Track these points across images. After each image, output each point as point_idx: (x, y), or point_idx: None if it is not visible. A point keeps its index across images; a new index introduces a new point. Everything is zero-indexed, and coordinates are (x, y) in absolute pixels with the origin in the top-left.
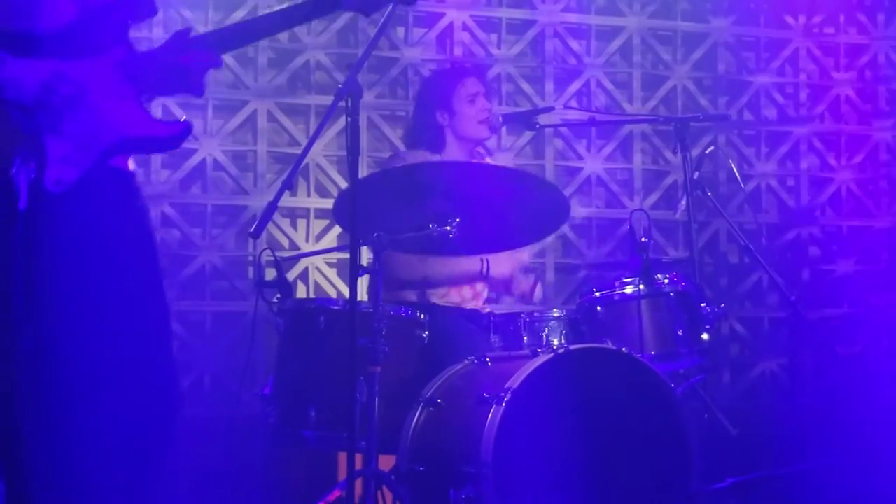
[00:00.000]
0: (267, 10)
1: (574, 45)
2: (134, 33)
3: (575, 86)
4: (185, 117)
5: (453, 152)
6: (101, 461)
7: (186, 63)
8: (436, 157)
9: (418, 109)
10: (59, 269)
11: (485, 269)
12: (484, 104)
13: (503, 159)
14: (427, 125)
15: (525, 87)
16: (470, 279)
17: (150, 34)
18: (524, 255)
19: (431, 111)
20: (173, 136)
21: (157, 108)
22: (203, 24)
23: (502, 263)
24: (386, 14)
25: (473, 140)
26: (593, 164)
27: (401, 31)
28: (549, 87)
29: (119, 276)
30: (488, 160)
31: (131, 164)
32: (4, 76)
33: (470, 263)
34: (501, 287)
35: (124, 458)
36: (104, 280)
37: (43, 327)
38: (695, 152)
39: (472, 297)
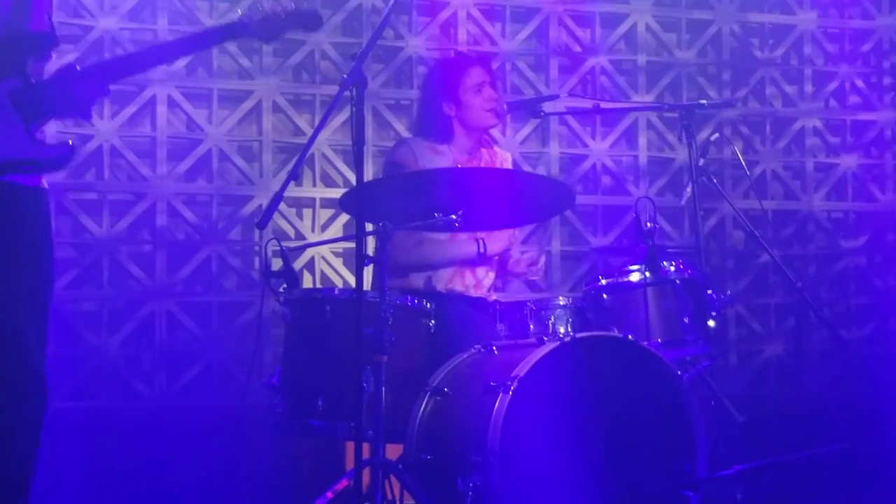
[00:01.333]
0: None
1: (579, 32)
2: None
3: (580, 73)
4: (71, 141)
5: (460, 142)
6: None
7: (74, 94)
8: (443, 147)
9: (424, 100)
10: None
11: (482, 248)
12: (490, 93)
13: (508, 147)
14: (434, 116)
15: (530, 75)
16: (469, 261)
17: (156, 25)
18: (517, 231)
19: (438, 102)
20: (55, 159)
21: (161, 108)
22: (207, 13)
23: (497, 240)
24: (390, 3)
25: (481, 129)
26: (598, 152)
27: (405, 20)
28: (554, 75)
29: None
30: (496, 149)
31: (44, 182)
32: None
33: (466, 246)
34: (504, 269)
35: None
36: None
37: None
38: (700, 139)
39: (474, 285)
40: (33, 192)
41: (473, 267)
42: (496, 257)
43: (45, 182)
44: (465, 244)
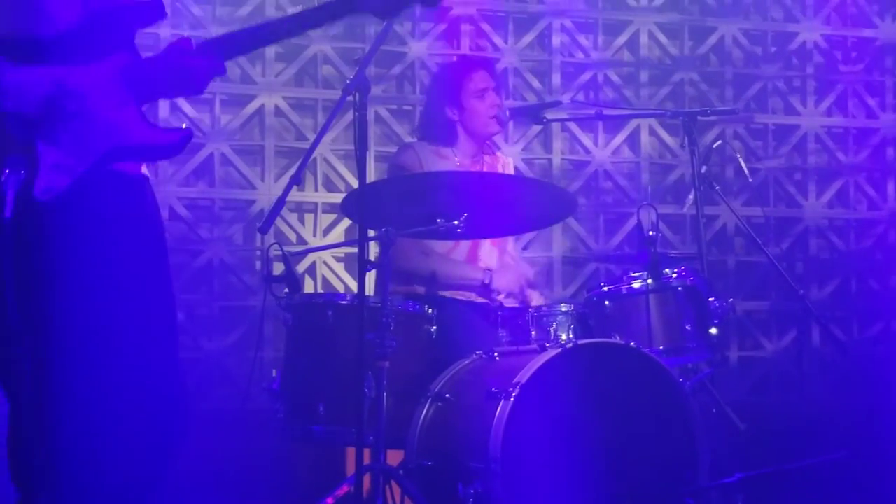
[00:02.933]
0: (273, 9)
1: (581, 38)
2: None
3: (582, 80)
4: (185, 125)
5: (464, 146)
6: (107, 469)
7: (191, 68)
8: (447, 151)
9: (428, 104)
10: (52, 276)
11: (487, 280)
12: (493, 99)
13: (511, 153)
14: (437, 120)
15: (532, 81)
16: (472, 287)
17: (158, 30)
18: (529, 271)
19: (441, 106)
20: (172, 145)
21: (164, 106)
22: (210, 19)
23: (506, 278)
24: None
25: (483, 135)
26: (601, 158)
27: (408, 25)
28: (557, 81)
29: (119, 280)
30: (498, 154)
31: (143, 168)
32: (5, 86)
33: (474, 272)
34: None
35: (130, 466)
36: (102, 285)
37: (40, 334)
38: (702, 146)
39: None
40: (141, 180)
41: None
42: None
43: (144, 169)
44: (472, 270)
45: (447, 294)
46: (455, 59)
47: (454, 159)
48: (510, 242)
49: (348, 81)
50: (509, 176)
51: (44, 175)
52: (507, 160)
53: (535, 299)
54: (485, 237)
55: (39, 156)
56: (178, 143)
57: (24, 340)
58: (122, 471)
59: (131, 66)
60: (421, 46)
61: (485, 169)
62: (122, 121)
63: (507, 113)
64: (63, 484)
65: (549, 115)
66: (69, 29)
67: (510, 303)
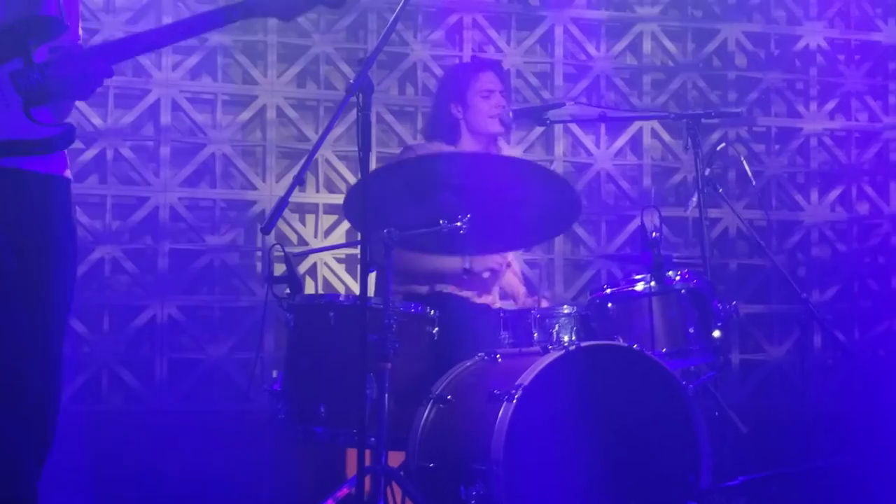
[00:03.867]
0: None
1: (584, 40)
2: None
3: (584, 82)
4: (70, 120)
5: (468, 145)
6: None
7: (80, 73)
8: (450, 148)
9: (436, 101)
10: None
11: (467, 263)
12: (498, 100)
13: (511, 154)
14: (443, 117)
15: (534, 82)
16: (452, 276)
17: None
18: (509, 254)
19: (447, 103)
20: (54, 138)
21: (167, 104)
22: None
23: (485, 260)
24: (397, 9)
25: (485, 134)
26: (603, 160)
27: (410, 26)
28: (559, 82)
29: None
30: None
31: (66, 172)
32: None
33: (452, 261)
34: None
35: None
36: None
37: None
38: (705, 148)
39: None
40: (44, 179)
41: (460, 285)
42: (486, 275)
43: (67, 172)
44: (450, 260)
45: (447, 290)
46: (461, 60)
47: None
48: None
49: (351, 81)
50: (510, 157)
51: None
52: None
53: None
54: (490, 252)
55: None
56: (62, 136)
57: None
58: None
59: (20, 72)
60: (423, 48)
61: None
62: (4, 119)
63: (510, 114)
64: None
65: (552, 116)
66: None
67: (509, 306)
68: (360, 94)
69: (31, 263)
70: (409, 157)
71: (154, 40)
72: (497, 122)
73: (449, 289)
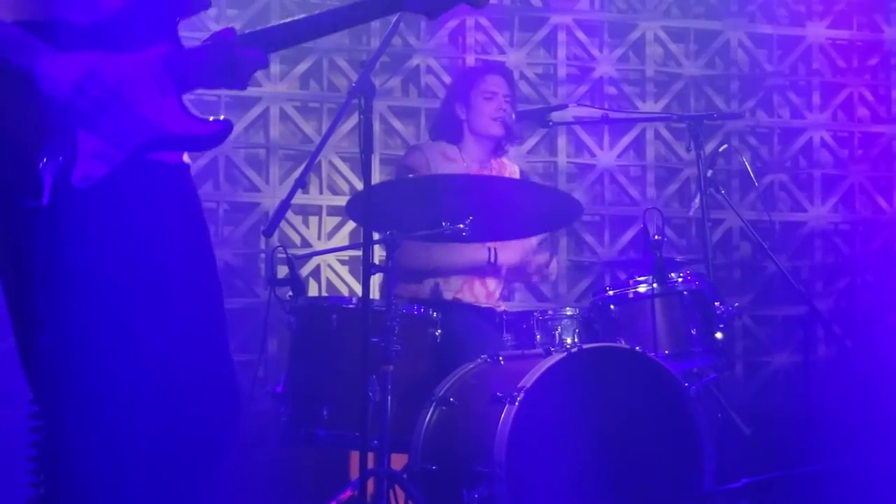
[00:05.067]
0: (278, 10)
1: (587, 42)
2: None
3: (587, 83)
4: (223, 116)
5: (470, 147)
6: (152, 470)
7: (236, 61)
8: (453, 149)
9: (444, 101)
10: (85, 265)
11: (492, 258)
12: (501, 103)
13: (515, 156)
14: (447, 117)
15: (538, 84)
16: (478, 269)
17: None
18: (533, 239)
19: (452, 103)
20: (210, 135)
21: None
22: (215, 19)
23: (510, 250)
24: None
25: (486, 136)
26: (606, 162)
27: (413, 28)
28: (562, 84)
29: (159, 270)
30: (504, 160)
31: (185, 157)
32: (40, 71)
33: (477, 252)
34: (513, 275)
35: (178, 467)
36: (140, 276)
37: (66, 324)
38: (708, 150)
39: (485, 297)
40: (180, 169)
41: (483, 276)
42: (505, 268)
43: (186, 157)
44: (475, 251)
45: (451, 296)
46: (464, 61)
47: (461, 162)
48: None
49: (353, 84)
50: (513, 180)
51: (82, 163)
52: (514, 167)
53: (552, 268)
54: (490, 240)
55: (79, 143)
56: (218, 134)
57: (48, 330)
58: (169, 471)
59: (173, 56)
60: (426, 50)
61: (492, 174)
62: (161, 111)
63: (513, 116)
64: (98, 484)
65: (555, 118)
66: (111, 16)
67: (521, 302)
68: (362, 97)
69: (190, 251)
70: (410, 161)
71: (310, 28)
72: (498, 124)
73: (451, 294)
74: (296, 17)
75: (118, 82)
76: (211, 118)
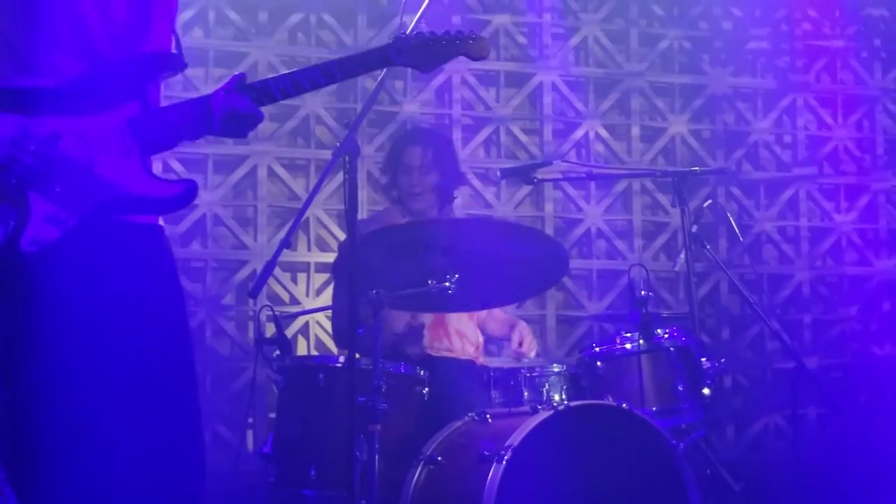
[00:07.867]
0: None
1: (572, 97)
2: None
3: (573, 138)
4: (187, 176)
5: (415, 207)
6: None
7: (214, 111)
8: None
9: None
10: (38, 330)
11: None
12: (417, 178)
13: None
14: (388, 184)
15: (523, 139)
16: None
17: None
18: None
19: (386, 171)
20: (175, 197)
21: (156, 164)
22: (203, 80)
23: (495, 322)
24: (384, 71)
25: (408, 209)
26: (593, 217)
27: (399, 84)
28: (548, 139)
29: (122, 335)
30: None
31: (160, 220)
32: None
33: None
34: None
35: None
36: (96, 336)
37: (21, 384)
38: (693, 205)
39: (473, 350)
40: (150, 230)
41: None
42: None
43: (160, 220)
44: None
45: (434, 352)
46: (450, 117)
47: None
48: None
49: (338, 145)
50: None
51: (32, 226)
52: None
53: (528, 346)
54: (477, 309)
55: (31, 207)
56: (182, 195)
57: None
58: None
59: (139, 118)
60: (413, 105)
61: None
62: (121, 172)
63: (499, 174)
64: None
65: (540, 174)
66: (75, 80)
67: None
68: (347, 157)
69: (157, 314)
70: (370, 226)
71: (299, 81)
72: (414, 199)
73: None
74: (289, 71)
75: (83, 146)
76: (175, 179)
